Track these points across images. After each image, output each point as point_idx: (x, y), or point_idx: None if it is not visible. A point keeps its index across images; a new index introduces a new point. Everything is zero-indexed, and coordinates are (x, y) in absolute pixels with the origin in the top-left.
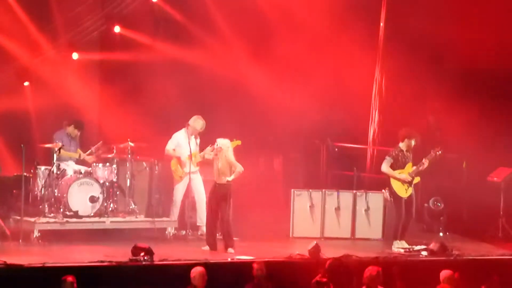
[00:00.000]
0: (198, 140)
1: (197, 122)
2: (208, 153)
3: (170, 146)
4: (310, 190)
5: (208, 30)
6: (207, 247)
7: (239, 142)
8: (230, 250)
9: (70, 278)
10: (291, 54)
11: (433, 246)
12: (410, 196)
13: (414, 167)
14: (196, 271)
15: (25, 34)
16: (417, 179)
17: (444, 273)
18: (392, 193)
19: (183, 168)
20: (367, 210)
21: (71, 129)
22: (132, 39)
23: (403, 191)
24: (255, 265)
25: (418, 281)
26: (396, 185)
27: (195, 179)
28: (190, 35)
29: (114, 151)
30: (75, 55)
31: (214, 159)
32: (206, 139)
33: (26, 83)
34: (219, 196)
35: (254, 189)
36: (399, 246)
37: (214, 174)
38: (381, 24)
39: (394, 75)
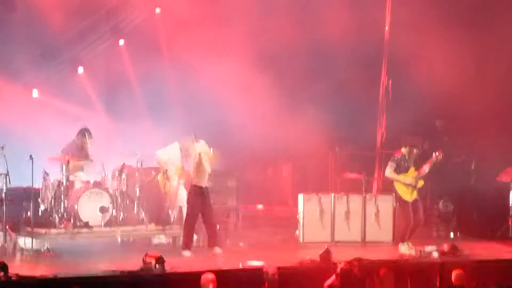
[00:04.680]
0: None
1: (187, 142)
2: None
3: (162, 155)
4: (320, 194)
5: None
6: (188, 252)
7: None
8: (218, 249)
9: None
10: (297, 61)
11: (444, 247)
12: (416, 200)
13: (417, 172)
14: (206, 278)
15: None
16: (421, 183)
17: (456, 274)
18: (398, 197)
19: (170, 182)
20: (377, 213)
21: (79, 138)
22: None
23: (408, 195)
24: (266, 271)
25: (430, 282)
26: (401, 190)
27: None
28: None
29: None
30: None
31: (200, 162)
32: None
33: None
34: (206, 198)
35: (263, 195)
36: (405, 248)
37: (199, 178)
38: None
39: (400, 77)
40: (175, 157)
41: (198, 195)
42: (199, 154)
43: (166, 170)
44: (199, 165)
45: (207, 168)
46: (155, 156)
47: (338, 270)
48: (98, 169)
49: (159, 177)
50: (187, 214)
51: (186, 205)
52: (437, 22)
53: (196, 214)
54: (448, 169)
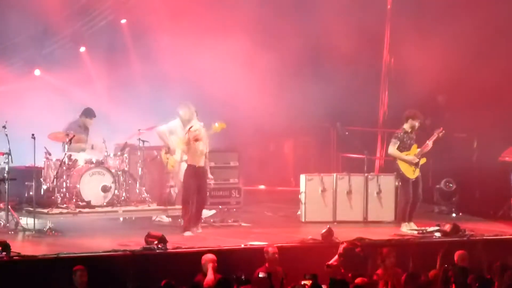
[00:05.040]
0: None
1: (183, 110)
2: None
3: (163, 128)
4: (322, 174)
5: None
6: (189, 233)
7: (224, 125)
8: (198, 231)
9: (80, 268)
10: (302, 41)
11: (446, 227)
12: (417, 177)
13: (419, 149)
14: (206, 258)
15: None
16: (423, 160)
17: (458, 254)
18: (400, 175)
19: (174, 156)
20: (379, 193)
21: (83, 119)
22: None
23: (411, 173)
24: (267, 250)
25: (432, 262)
26: (403, 167)
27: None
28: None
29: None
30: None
31: (188, 142)
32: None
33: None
34: (201, 179)
35: (265, 174)
36: (408, 228)
37: (191, 158)
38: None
39: (403, 55)
40: (177, 129)
41: (190, 176)
42: (187, 134)
43: (169, 147)
44: (187, 144)
45: (200, 148)
46: (155, 131)
47: (341, 249)
48: (101, 148)
49: (163, 154)
50: (182, 195)
51: None
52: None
53: (190, 195)
54: (450, 147)
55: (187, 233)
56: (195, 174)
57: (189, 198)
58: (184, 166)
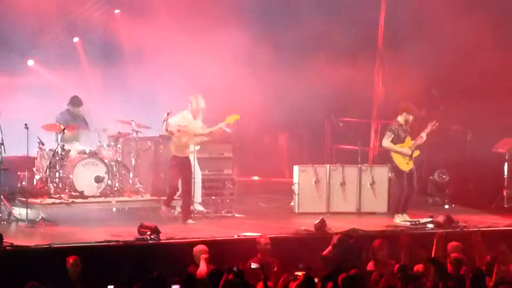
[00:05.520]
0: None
1: (194, 102)
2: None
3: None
4: (315, 165)
5: None
6: (191, 221)
7: (238, 117)
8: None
9: (73, 258)
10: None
11: (439, 218)
12: (411, 169)
13: (413, 141)
14: (198, 249)
15: None
16: (416, 153)
17: (452, 245)
18: (394, 167)
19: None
20: (372, 184)
21: (70, 108)
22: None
23: (405, 165)
24: (259, 241)
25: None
26: (398, 160)
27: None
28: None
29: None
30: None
31: (182, 133)
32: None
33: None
34: (184, 170)
35: (259, 165)
36: (401, 220)
37: (175, 148)
38: None
39: (397, 47)
40: (188, 120)
41: (174, 166)
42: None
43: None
44: (171, 135)
45: (184, 140)
46: (165, 126)
47: (334, 240)
48: (93, 138)
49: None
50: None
51: (198, 173)
52: None
53: (175, 185)
54: (444, 139)
55: (189, 221)
56: (177, 165)
57: (173, 190)
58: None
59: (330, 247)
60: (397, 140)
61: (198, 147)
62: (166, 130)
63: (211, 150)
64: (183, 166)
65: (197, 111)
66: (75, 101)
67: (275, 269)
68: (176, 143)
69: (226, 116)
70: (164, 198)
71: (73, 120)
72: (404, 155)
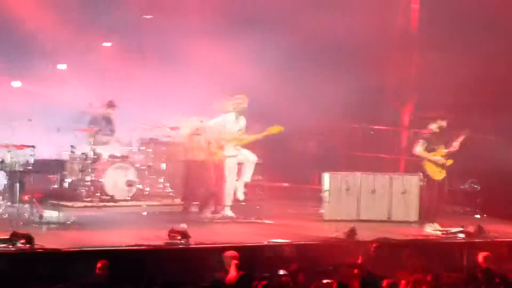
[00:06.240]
0: (243, 122)
1: (239, 103)
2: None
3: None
4: (346, 173)
5: None
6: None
7: (281, 128)
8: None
9: (102, 262)
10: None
11: (470, 228)
12: (443, 178)
13: (446, 150)
14: (229, 255)
15: None
16: (449, 162)
17: (482, 255)
18: (426, 176)
19: (223, 150)
20: (403, 192)
21: (103, 111)
22: None
23: (438, 174)
24: (286, 248)
25: (455, 263)
26: (430, 168)
27: (232, 162)
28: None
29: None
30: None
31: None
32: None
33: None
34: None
35: (288, 172)
36: (432, 229)
37: (200, 152)
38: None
39: (428, 54)
40: (227, 123)
41: (206, 170)
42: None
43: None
44: (190, 139)
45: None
46: (200, 131)
47: (372, 249)
48: (125, 143)
49: (212, 147)
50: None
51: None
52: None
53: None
54: (475, 148)
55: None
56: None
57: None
58: (229, 160)
59: (362, 255)
60: (430, 148)
61: (237, 152)
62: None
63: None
64: (215, 169)
65: (242, 111)
66: (110, 105)
67: (303, 277)
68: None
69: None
70: (197, 203)
71: (104, 125)
72: (437, 164)
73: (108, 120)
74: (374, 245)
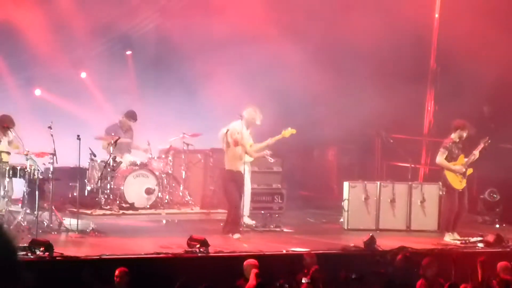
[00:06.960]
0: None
1: (252, 115)
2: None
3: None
4: (365, 182)
5: None
6: (237, 235)
7: (294, 131)
8: (236, 235)
9: (122, 270)
10: (345, 45)
11: (489, 237)
12: (464, 188)
13: (466, 159)
14: (249, 263)
15: None
16: (470, 171)
17: (501, 265)
18: (447, 185)
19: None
20: (422, 201)
21: (123, 120)
22: None
23: (458, 183)
24: (306, 256)
25: (474, 273)
26: (451, 177)
27: (247, 169)
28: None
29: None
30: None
31: (228, 145)
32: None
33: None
34: (242, 182)
35: (308, 180)
36: (451, 238)
37: (228, 162)
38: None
39: (449, 65)
40: (240, 134)
41: (229, 180)
42: (226, 135)
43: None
44: (227, 147)
45: (239, 152)
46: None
47: (397, 259)
48: (144, 149)
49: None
50: (229, 199)
51: (248, 185)
52: (488, 9)
53: (238, 197)
54: (495, 157)
55: (236, 236)
56: (232, 179)
57: (237, 202)
58: (247, 168)
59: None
60: (450, 157)
61: (251, 159)
62: (228, 143)
63: (260, 164)
64: (237, 180)
65: (252, 124)
66: (131, 115)
67: (324, 285)
68: (230, 156)
69: (282, 130)
70: (214, 211)
71: (122, 134)
72: (458, 173)
73: (128, 129)
74: (399, 255)
